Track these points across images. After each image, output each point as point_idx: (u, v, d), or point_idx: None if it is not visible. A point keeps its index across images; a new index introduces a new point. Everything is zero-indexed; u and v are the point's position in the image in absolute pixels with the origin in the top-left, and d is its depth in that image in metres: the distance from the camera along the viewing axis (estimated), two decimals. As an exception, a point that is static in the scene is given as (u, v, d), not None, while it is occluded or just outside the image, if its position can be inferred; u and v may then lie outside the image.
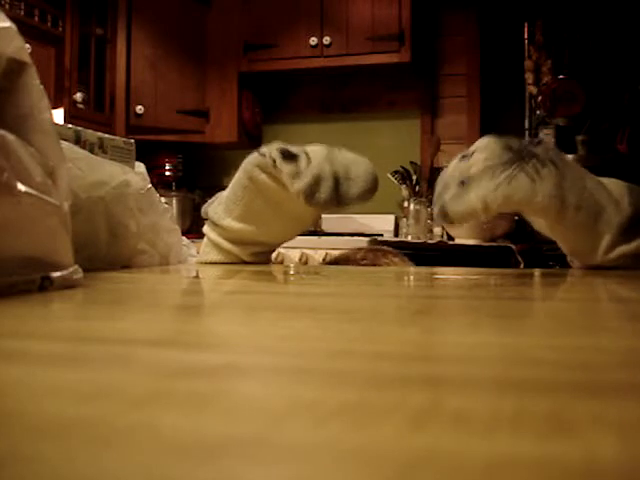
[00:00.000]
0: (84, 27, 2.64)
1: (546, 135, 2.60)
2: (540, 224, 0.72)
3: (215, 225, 0.75)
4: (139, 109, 2.79)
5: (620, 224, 0.67)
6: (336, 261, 0.99)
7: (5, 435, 0.13)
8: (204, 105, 2.87)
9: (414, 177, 2.61)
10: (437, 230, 2.48)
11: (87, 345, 0.23)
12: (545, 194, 0.65)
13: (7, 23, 0.41)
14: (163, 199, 0.76)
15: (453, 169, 0.68)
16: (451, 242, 2.28)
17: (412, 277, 0.71)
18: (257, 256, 0.77)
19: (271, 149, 0.69)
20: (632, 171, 2.35)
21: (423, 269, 0.89)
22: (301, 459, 0.12)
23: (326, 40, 2.65)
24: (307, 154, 0.68)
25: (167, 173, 2.97)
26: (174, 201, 2.84)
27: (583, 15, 2.57)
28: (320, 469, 0.11)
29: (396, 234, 2.73)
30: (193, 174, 3.10)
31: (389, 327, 0.30)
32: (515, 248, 2.04)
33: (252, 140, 2.87)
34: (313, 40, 2.66)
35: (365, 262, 0.92)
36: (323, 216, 2.77)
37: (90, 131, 0.75)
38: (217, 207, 0.76)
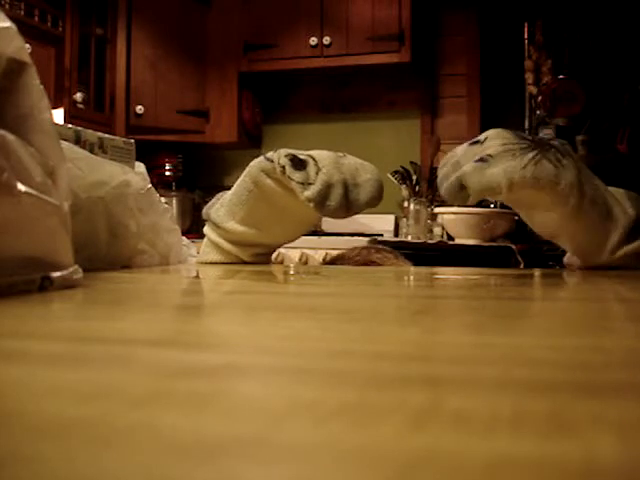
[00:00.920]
0: (84, 27, 2.64)
1: (546, 135, 2.60)
2: (547, 220, 0.71)
3: (217, 227, 0.75)
4: (139, 109, 2.80)
5: (626, 225, 0.67)
6: (332, 261, 0.99)
7: (5, 435, 0.13)
8: (204, 105, 2.87)
9: (414, 177, 2.61)
10: (437, 230, 2.48)
11: (87, 345, 0.23)
12: (568, 181, 0.64)
13: (7, 23, 0.41)
14: (163, 199, 0.76)
15: (464, 151, 0.67)
16: (451, 242, 2.28)
17: (412, 277, 0.71)
18: (257, 257, 0.77)
19: (279, 156, 0.68)
20: (632, 171, 2.36)
21: (423, 269, 0.90)
22: (301, 459, 0.12)
23: (326, 40, 2.65)
24: (315, 160, 0.68)
25: (167, 173, 2.97)
26: (174, 201, 2.84)
27: (583, 15, 2.57)
28: (320, 469, 0.11)
29: (396, 234, 2.73)
30: (193, 174, 3.10)
31: (389, 327, 0.30)
32: (515, 248, 2.04)
33: (252, 140, 2.87)
34: (313, 40, 2.66)
35: (358, 259, 0.92)
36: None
37: (90, 131, 0.75)
38: (219, 209, 0.75)
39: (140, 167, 0.83)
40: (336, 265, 0.95)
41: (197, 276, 0.68)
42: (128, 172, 0.68)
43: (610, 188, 0.71)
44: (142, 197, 0.68)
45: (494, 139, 0.66)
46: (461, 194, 0.66)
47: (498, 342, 0.25)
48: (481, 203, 2.39)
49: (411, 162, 2.65)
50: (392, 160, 2.66)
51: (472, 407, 0.15)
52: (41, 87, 0.43)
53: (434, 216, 2.45)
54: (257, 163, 0.71)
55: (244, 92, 2.87)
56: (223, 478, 0.11)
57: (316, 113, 3.00)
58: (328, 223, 2.78)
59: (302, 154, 0.69)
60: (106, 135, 0.78)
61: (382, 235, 2.55)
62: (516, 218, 2.24)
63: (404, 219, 2.56)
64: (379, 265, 0.90)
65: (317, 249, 2.18)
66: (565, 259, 0.78)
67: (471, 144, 0.67)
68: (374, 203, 0.68)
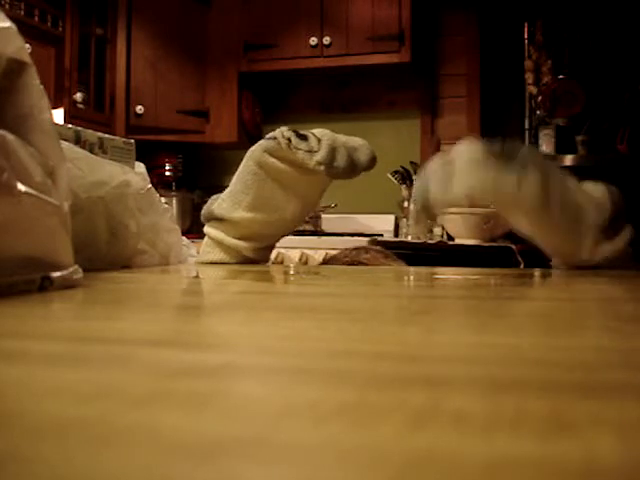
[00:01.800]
0: (84, 27, 2.64)
1: (546, 135, 2.60)
2: (521, 223, 0.75)
3: (221, 222, 0.76)
4: (139, 109, 2.80)
5: (601, 222, 0.69)
6: (324, 263, 1.00)
7: (5, 435, 0.13)
8: (204, 105, 2.87)
9: (414, 177, 2.61)
10: (437, 230, 2.48)
11: (87, 345, 0.23)
12: (530, 190, 0.67)
13: (7, 23, 0.41)
14: (163, 199, 0.76)
15: (435, 164, 0.72)
16: (451, 242, 2.28)
17: (412, 277, 0.71)
18: (260, 252, 0.78)
19: (282, 131, 0.73)
20: (632, 171, 2.36)
21: (423, 269, 0.89)
22: (301, 459, 0.12)
23: (326, 40, 2.65)
24: (313, 133, 0.73)
25: (167, 173, 2.97)
26: (174, 201, 2.84)
27: (583, 15, 2.57)
28: (320, 469, 0.11)
29: (396, 234, 2.73)
30: (193, 174, 3.10)
31: (389, 327, 0.30)
32: (515, 248, 2.04)
33: (252, 140, 2.84)
34: (313, 40, 2.66)
35: (347, 260, 0.93)
36: (323, 216, 2.77)
37: (90, 131, 0.75)
38: (222, 203, 0.76)
39: (140, 167, 0.83)
40: (328, 265, 0.96)
41: (197, 276, 0.68)
42: (128, 172, 0.68)
43: (588, 184, 0.72)
44: (142, 197, 0.68)
45: (463, 151, 0.70)
46: (426, 206, 0.71)
47: (498, 342, 0.25)
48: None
49: (411, 162, 2.65)
50: (392, 160, 2.66)
51: (472, 407, 0.15)
52: (41, 87, 0.43)
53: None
54: (258, 145, 0.74)
55: (244, 92, 2.87)
56: (223, 478, 0.11)
57: (316, 113, 3.00)
58: (328, 223, 2.78)
59: (300, 130, 0.73)
60: (106, 135, 0.78)
61: (382, 235, 2.55)
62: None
63: (404, 219, 2.56)
64: (367, 265, 0.91)
65: (317, 249, 2.18)
66: (552, 262, 0.80)
67: (442, 158, 0.72)
68: (372, 164, 0.73)
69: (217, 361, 0.21)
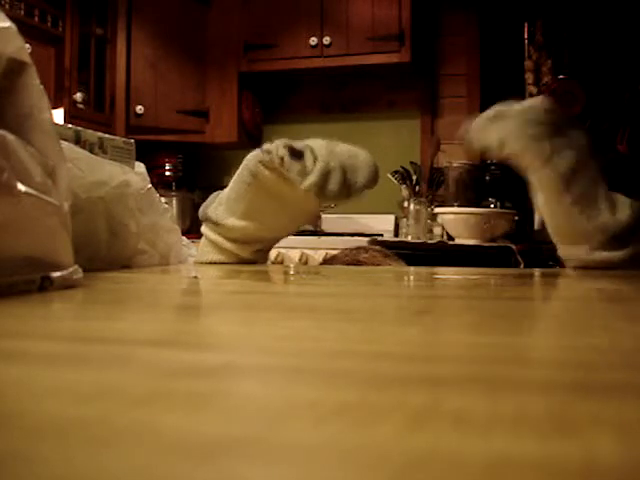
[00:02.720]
0: (84, 27, 2.64)
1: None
2: (537, 198, 0.76)
3: (216, 225, 0.75)
4: (139, 109, 2.79)
5: (610, 231, 0.69)
6: (324, 263, 1.00)
7: (5, 435, 0.13)
8: (204, 105, 2.87)
9: (414, 177, 2.61)
10: (437, 230, 2.48)
11: (87, 345, 0.23)
12: (554, 171, 0.69)
13: (7, 23, 0.41)
14: (163, 199, 0.76)
15: (495, 108, 0.73)
16: (451, 242, 2.27)
17: (412, 277, 0.71)
18: (257, 254, 0.77)
19: (277, 147, 0.70)
20: (632, 171, 2.35)
21: (423, 269, 0.89)
22: (301, 459, 0.12)
23: (326, 40, 2.65)
24: (311, 149, 0.69)
25: (167, 173, 2.97)
26: (174, 201, 2.84)
27: (583, 15, 2.57)
28: (320, 469, 0.11)
29: (396, 234, 2.73)
30: (193, 174, 3.10)
31: (389, 327, 0.30)
32: (515, 248, 2.04)
33: (252, 140, 2.87)
34: (313, 40, 2.66)
35: (347, 259, 0.93)
36: (323, 216, 2.77)
37: (90, 131, 0.75)
38: (218, 207, 0.76)
39: (140, 167, 0.83)
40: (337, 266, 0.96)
41: (197, 276, 0.68)
42: (128, 172, 0.68)
43: (617, 194, 0.73)
44: (142, 197, 0.68)
45: (530, 100, 0.73)
46: (466, 138, 0.73)
47: (498, 342, 0.25)
48: (481, 203, 2.39)
49: (411, 162, 2.65)
50: (392, 160, 2.66)
51: (472, 407, 0.15)
52: (41, 87, 0.43)
53: (434, 216, 2.44)
54: (254, 156, 0.72)
55: (244, 92, 2.87)
56: (223, 478, 0.11)
57: (316, 113, 3.00)
58: (328, 223, 2.78)
59: (298, 143, 0.70)
60: (106, 135, 0.78)
61: (382, 235, 2.55)
62: (516, 218, 2.24)
63: (404, 219, 2.56)
64: (366, 264, 0.91)
65: (317, 249, 2.18)
66: (558, 252, 0.80)
67: (502, 109, 0.73)
68: (371, 185, 0.70)
69: (217, 361, 0.21)
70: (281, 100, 3.05)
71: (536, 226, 2.14)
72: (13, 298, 0.36)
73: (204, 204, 0.78)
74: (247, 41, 2.76)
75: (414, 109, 2.86)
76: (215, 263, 0.77)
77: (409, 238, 2.44)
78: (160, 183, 2.86)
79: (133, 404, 0.15)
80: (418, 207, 2.47)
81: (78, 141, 0.72)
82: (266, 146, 0.71)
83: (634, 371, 0.20)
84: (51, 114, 0.43)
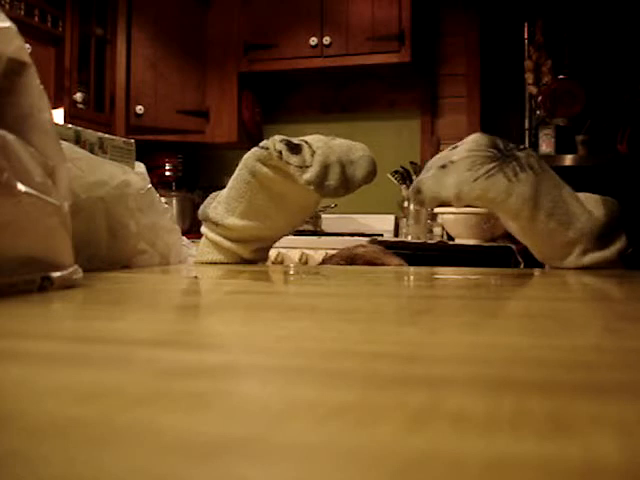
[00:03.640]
0: (84, 27, 2.64)
1: (546, 135, 2.60)
2: (511, 227, 0.75)
3: (216, 225, 0.75)
4: (139, 109, 2.79)
5: (593, 232, 0.69)
6: (323, 261, 1.00)
7: (5, 435, 0.13)
8: (204, 105, 2.87)
9: (414, 177, 2.61)
10: (437, 230, 2.48)
11: (87, 345, 0.23)
12: (519, 196, 0.68)
13: (7, 23, 0.41)
14: (163, 199, 0.76)
15: (439, 155, 0.72)
16: (451, 242, 2.27)
17: (412, 277, 0.71)
18: (257, 253, 0.77)
19: (274, 142, 0.70)
20: (632, 171, 2.35)
21: (423, 269, 0.89)
22: (301, 459, 0.12)
23: (326, 40, 2.65)
24: (308, 144, 0.69)
25: (167, 173, 2.97)
26: (174, 201, 2.84)
27: (583, 15, 2.57)
28: (320, 469, 0.11)
29: (396, 234, 2.73)
30: (193, 174, 3.10)
31: (389, 327, 0.30)
32: (515, 248, 2.04)
33: (252, 140, 2.87)
34: (313, 40, 2.66)
35: (344, 254, 0.93)
36: (323, 216, 2.77)
37: (90, 131, 0.75)
38: (217, 207, 0.76)
39: (140, 167, 0.83)
40: (326, 264, 0.96)
41: (197, 276, 0.68)
42: (128, 172, 0.68)
43: (585, 194, 0.73)
44: (142, 197, 0.68)
45: (467, 144, 0.70)
46: (419, 197, 0.71)
47: (498, 342, 0.25)
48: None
49: (411, 162, 2.65)
50: (392, 160, 2.66)
51: (472, 407, 0.15)
52: (41, 87, 0.43)
53: (434, 216, 2.44)
54: (252, 153, 0.72)
55: (244, 92, 2.87)
56: (223, 478, 0.11)
57: (316, 113, 3.00)
58: (328, 223, 2.78)
59: (295, 139, 0.70)
60: (106, 135, 0.78)
61: (382, 235, 2.55)
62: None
63: (404, 219, 2.56)
64: (364, 258, 0.91)
65: (317, 249, 2.18)
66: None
67: (450, 149, 0.72)
68: (370, 179, 0.70)
69: (217, 361, 0.21)
70: (281, 100, 3.05)
71: None
72: (13, 298, 0.36)
73: (204, 204, 0.78)
74: (247, 41, 2.76)
75: (414, 109, 2.86)
76: (215, 263, 0.77)
77: (409, 238, 2.44)
78: (160, 183, 2.87)
79: (133, 404, 0.15)
80: (418, 207, 2.47)
81: (78, 141, 0.72)
82: (263, 143, 0.72)
83: (634, 371, 0.20)
84: (51, 114, 0.43)
